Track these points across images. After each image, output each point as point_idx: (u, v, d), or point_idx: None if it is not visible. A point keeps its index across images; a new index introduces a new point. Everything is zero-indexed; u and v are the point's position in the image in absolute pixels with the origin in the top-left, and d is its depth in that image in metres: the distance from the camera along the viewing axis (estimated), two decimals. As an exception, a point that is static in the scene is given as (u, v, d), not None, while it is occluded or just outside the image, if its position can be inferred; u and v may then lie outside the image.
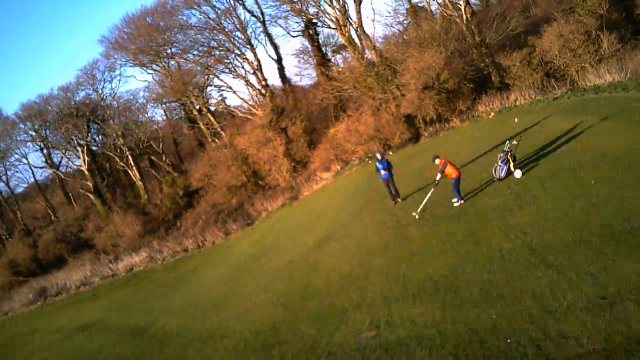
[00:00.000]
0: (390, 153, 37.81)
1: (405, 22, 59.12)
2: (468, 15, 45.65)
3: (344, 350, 12.46)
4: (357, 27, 48.59)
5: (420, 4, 58.97)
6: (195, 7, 50.54)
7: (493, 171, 20.66)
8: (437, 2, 48.95)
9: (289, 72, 61.33)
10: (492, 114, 37.44)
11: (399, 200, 23.44)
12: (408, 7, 60.27)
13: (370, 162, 37.66)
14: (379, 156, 23.69)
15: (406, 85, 39.98)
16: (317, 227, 26.77)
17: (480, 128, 34.34)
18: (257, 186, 46.34)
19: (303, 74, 60.07)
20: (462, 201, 19.66)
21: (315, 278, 18.98)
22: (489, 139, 28.16)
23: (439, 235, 17.54)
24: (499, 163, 20.43)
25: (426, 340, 11.36)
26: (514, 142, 21.18)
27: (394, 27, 57.55)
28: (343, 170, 40.13)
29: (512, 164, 20.22)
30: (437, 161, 20.27)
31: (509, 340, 10.11)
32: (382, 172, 23.26)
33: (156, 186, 58.41)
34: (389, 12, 65.96)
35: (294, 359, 13.19)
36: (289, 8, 52.10)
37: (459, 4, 46.72)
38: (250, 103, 51.64)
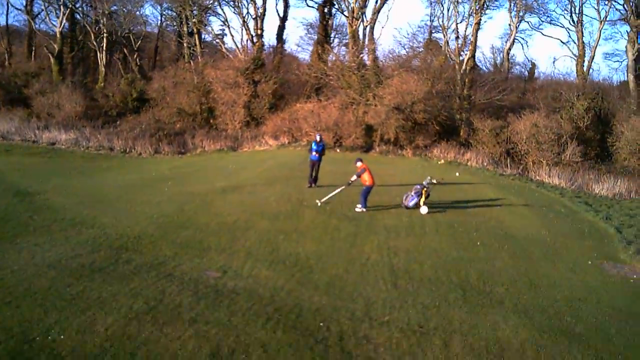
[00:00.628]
0: (338, 150, 38.41)
1: (418, 49, 59.95)
2: (467, 67, 46.69)
3: (180, 280, 12.72)
4: (367, 25, 49.08)
5: (437, 40, 59.98)
6: None
7: (404, 198, 21.39)
8: (447, 42, 49.78)
9: (288, 36, 61.04)
10: (442, 161, 38.39)
11: (314, 185, 23.95)
12: (427, 38, 61.18)
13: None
14: (318, 138, 24.24)
15: (381, 98, 40.58)
16: (231, 177, 27.24)
17: (425, 167, 35.09)
18: (206, 122, 46.38)
19: (303, 48, 60.26)
20: (364, 209, 20.30)
21: (201, 215, 19.26)
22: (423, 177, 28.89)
23: (326, 226, 18.19)
24: (412, 193, 21.17)
25: (255, 297, 11.81)
26: (434, 180, 21.91)
27: (404, 49, 58.22)
28: (289, 145, 40.55)
29: (423, 199, 20.96)
30: (358, 164, 20.95)
31: (321, 323, 10.67)
32: (314, 153, 23.77)
33: (116, 80, 57.49)
34: (408, 34, 66.51)
35: (132, 270, 13.28)
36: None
37: (466, 52, 47.75)
38: (238, 45, 51.44)
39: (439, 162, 38.16)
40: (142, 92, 50.90)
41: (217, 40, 55.36)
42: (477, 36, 47.24)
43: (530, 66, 69.93)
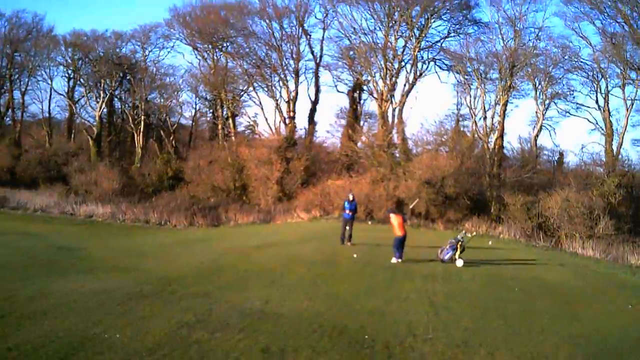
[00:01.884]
0: (370, 223, 38.75)
1: (445, 137, 61.14)
2: (496, 147, 47.52)
3: (226, 305, 13.02)
4: (396, 107, 50.53)
5: (465, 128, 61.22)
6: (266, 19, 52.86)
7: (439, 252, 21.60)
8: (475, 123, 50.83)
9: (319, 119, 62.88)
10: (474, 233, 38.41)
11: (348, 244, 24.26)
12: (454, 126, 62.41)
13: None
14: (350, 197, 24.78)
15: (412, 173, 41.30)
16: (266, 239, 27.75)
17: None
18: (239, 198, 47.31)
19: (333, 134, 62.02)
20: (400, 260, 20.51)
21: (239, 263, 19.79)
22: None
23: (362, 273, 18.43)
24: (447, 247, 21.39)
25: (299, 318, 12.03)
26: (469, 234, 22.10)
27: (432, 136, 59.39)
28: (320, 218, 41.06)
29: (458, 252, 21.13)
30: (392, 215, 21.38)
31: (366, 336, 10.83)
32: (347, 211, 24.24)
33: (152, 160, 59.30)
34: (435, 122, 67.89)
35: (178, 296, 13.66)
36: (346, 64, 54.44)
37: (495, 129, 48.67)
38: (271, 126, 53.13)
39: (471, 235, 38.16)
40: (178, 171, 52.46)
41: (251, 122, 57.23)
42: (504, 116, 48.23)
43: (559, 155, 70.60)
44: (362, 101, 57.37)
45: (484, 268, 21.38)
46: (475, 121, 50.62)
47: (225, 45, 57.44)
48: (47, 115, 68.65)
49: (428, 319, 12.86)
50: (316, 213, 41.98)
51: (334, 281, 16.94)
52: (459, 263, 20.92)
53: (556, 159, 69.78)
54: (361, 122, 57.57)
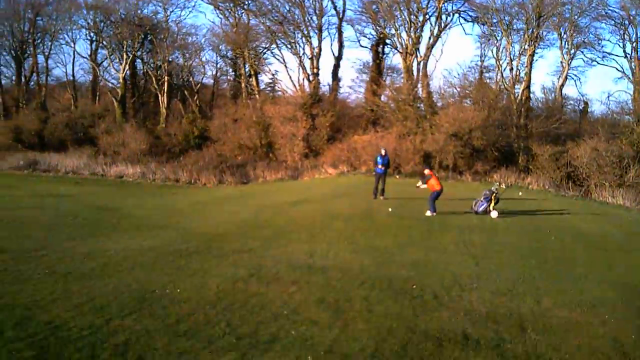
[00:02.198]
0: (397, 177, 38.89)
1: (469, 89, 60.56)
2: (523, 98, 47.08)
3: (274, 258, 13.42)
4: (420, 61, 50.12)
5: (489, 79, 60.50)
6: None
7: (473, 204, 21.79)
8: (502, 74, 50.20)
9: (342, 74, 62.43)
10: (503, 185, 38.44)
11: (381, 197, 24.49)
12: (478, 77, 61.71)
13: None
14: (383, 151, 24.91)
15: (438, 126, 41.21)
16: (300, 195, 28.08)
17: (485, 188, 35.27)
18: (266, 156, 47.61)
19: (355, 90, 61.75)
20: (434, 213, 20.74)
21: (277, 219, 20.16)
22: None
23: (399, 226, 18.67)
24: (481, 199, 21.57)
25: (347, 270, 12.37)
26: (503, 186, 22.22)
27: (456, 89, 58.82)
28: (348, 173, 41.27)
29: (492, 204, 21.31)
30: (426, 171, 21.55)
31: (414, 286, 11.14)
32: (380, 166, 24.43)
33: (177, 120, 59.59)
34: (458, 75, 67.28)
35: (224, 252, 14.05)
36: (369, 18, 53.88)
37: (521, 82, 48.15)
38: (295, 83, 52.98)
39: (499, 186, 38.19)
40: (204, 130, 52.69)
41: (274, 80, 57.12)
42: (531, 67, 47.65)
43: (584, 105, 69.60)
44: (385, 56, 56.87)
45: (518, 218, 21.58)
46: (502, 72, 49.99)
47: (247, 2, 56.99)
48: (72, 78, 69.10)
49: (470, 269, 13.14)
50: (343, 168, 42.18)
51: (373, 234, 17.24)
52: (494, 214, 21.11)
53: (581, 108, 68.99)
54: (385, 77, 57.24)
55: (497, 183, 22.14)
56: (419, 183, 21.56)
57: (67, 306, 8.99)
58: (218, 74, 67.69)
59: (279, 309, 9.34)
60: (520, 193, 32.35)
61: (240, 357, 7.24)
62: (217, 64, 66.13)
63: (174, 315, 8.75)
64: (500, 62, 50.76)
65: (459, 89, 46.91)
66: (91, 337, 7.63)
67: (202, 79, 64.57)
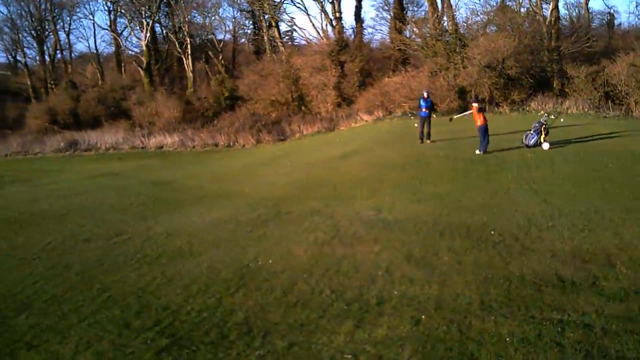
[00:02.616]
0: (434, 116, 38.71)
1: (491, 13, 59.36)
2: (552, 19, 46.05)
3: (344, 217, 13.80)
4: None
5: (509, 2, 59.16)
6: None
7: (524, 138, 21.79)
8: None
9: (365, 15, 61.65)
10: (542, 112, 38.13)
11: (427, 141, 24.58)
12: (500, 1, 60.42)
13: (412, 117, 38.86)
14: (425, 94, 24.89)
15: (470, 59, 40.75)
16: (344, 146, 28.19)
17: (529, 119, 35.03)
18: (299, 109, 47.65)
19: (377, 29, 60.93)
20: (483, 152, 20.84)
21: (331, 175, 20.41)
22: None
23: (455, 170, 18.86)
24: (531, 132, 21.56)
25: (420, 222, 12.68)
26: (552, 116, 22.16)
27: (478, 15, 57.66)
28: (384, 118, 41.20)
29: (543, 136, 21.31)
30: (475, 104, 21.59)
31: (492, 232, 11.42)
32: (424, 110, 24.45)
33: (204, 82, 59.77)
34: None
35: (297, 217, 14.47)
36: None
37: (548, 2, 47.01)
38: (318, 29, 52.50)
39: (539, 114, 37.89)
40: (233, 90, 52.76)
41: (297, 28, 56.64)
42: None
43: (609, 16, 67.80)
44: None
45: (571, 147, 21.57)
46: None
47: None
48: (95, 51, 69.56)
49: (540, 207, 13.35)
50: (379, 114, 42.06)
51: (433, 181, 17.47)
52: (545, 146, 21.12)
53: (606, 20, 67.25)
54: (406, 12, 56.37)
55: (546, 114, 21.95)
56: (466, 113, 21.58)
57: (175, 289, 9.49)
58: (237, 29, 67.42)
59: (372, 270, 9.72)
60: (562, 119, 32.18)
61: (358, 323, 7.64)
62: (235, 18, 65.79)
63: (278, 288, 9.19)
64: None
65: (484, 16, 45.98)
66: (213, 318, 8.11)
67: (225, 36, 64.35)
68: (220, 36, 64.03)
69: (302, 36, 55.98)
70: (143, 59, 61.34)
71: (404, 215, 13.53)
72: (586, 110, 37.75)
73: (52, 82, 65.88)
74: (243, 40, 70.29)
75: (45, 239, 13.91)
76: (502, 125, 30.05)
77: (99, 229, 14.69)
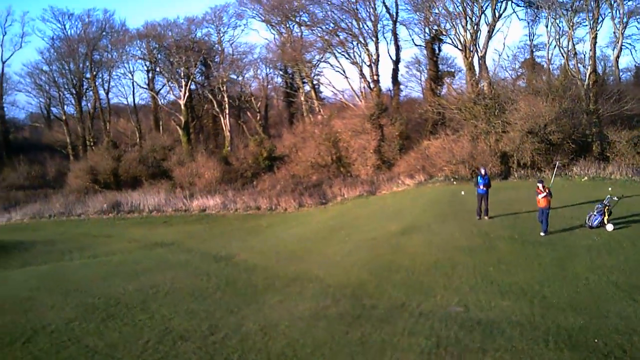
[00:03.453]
0: (463, 193, 38.42)
1: (519, 70, 60.35)
2: (590, 82, 46.60)
3: (435, 315, 13.97)
4: (481, 56, 50.03)
5: (538, 58, 60.13)
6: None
7: (587, 219, 21.94)
8: (567, 61, 49.57)
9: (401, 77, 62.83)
10: (586, 178, 38.25)
11: (486, 218, 24.82)
12: (529, 57, 61.51)
13: (455, 182, 39.25)
14: (482, 171, 25.27)
15: (512, 124, 41.22)
16: (399, 219, 28.41)
17: (572, 187, 35.18)
18: (339, 171, 48.31)
19: (407, 85, 62.08)
20: (545, 234, 21.06)
21: (400, 257, 20.54)
22: (580, 196, 29.07)
23: (526, 254, 19.05)
24: (595, 212, 21.72)
25: (516, 324, 12.84)
26: (615, 198, 22.34)
27: (507, 71, 58.58)
28: (426, 182, 41.55)
29: (606, 217, 21.45)
30: (540, 185, 21.80)
31: (595, 340, 11.56)
32: (481, 187, 24.78)
33: (241, 141, 60.89)
34: (508, 56, 67.12)
35: (385, 312, 14.65)
36: (424, 16, 53.95)
37: (586, 67, 47.65)
38: (357, 92, 53.54)
39: (582, 180, 38.00)
40: (272, 151, 53.70)
41: (337, 91, 57.81)
42: (595, 50, 47.12)
43: (635, 70, 68.39)
44: (439, 52, 57.07)
45: (634, 228, 21.62)
46: (567, 57, 49.41)
47: (300, 16, 57.62)
48: (134, 109, 71.31)
49: (631, 308, 13.44)
50: (420, 177, 42.45)
51: (507, 268, 17.62)
52: (609, 227, 21.24)
53: (634, 74, 67.64)
54: (440, 72, 57.42)
55: (609, 196, 22.12)
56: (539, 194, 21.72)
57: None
58: (271, 87, 68.96)
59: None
60: (610, 188, 32.18)
61: None
62: (272, 79, 67.35)
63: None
64: (564, 49, 50.13)
65: (510, 72, 46.64)
66: None
67: (261, 97, 65.69)
68: (255, 92, 65.46)
69: (339, 98, 56.54)
70: (182, 117, 62.71)
71: (493, 313, 13.72)
72: (630, 175, 37.74)
73: (90, 139, 67.42)
74: (273, 93, 71.75)
75: (139, 335, 14.16)
76: (564, 194, 30.11)
77: (189, 323, 14.94)
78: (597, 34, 47.25)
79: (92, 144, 67.45)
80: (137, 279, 21.07)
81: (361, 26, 53.12)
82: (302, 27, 58.08)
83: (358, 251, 22.67)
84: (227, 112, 61.62)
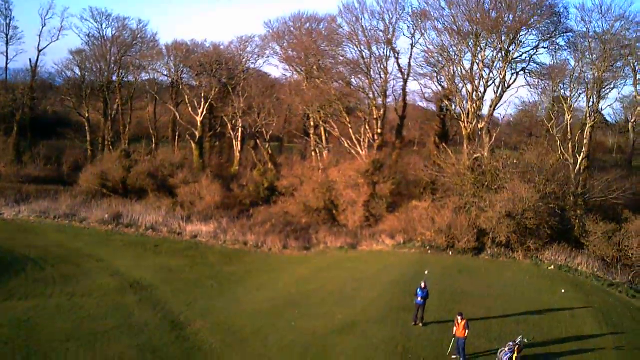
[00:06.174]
0: (427, 272, 39.08)
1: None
2: (582, 167, 48.02)
3: None
4: (483, 127, 51.70)
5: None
6: (355, 45, 54.92)
7: (498, 353, 23.86)
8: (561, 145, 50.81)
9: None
10: (552, 267, 39.78)
11: (420, 324, 26.93)
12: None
13: (429, 252, 41.34)
14: (422, 285, 27.31)
15: (493, 204, 42.92)
16: (352, 304, 30.22)
17: (536, 275, 36.87)
18: (329, 216, 50.56)
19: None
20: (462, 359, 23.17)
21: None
22: (536, 291, 31.52)
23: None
24: (506, 349, 23.56)
25: None
26: (525, 340, 24.17)
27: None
28: (404, 245, 43.59)
29: (515, 355, 23.32)
30: (459, 318, 23.81)
31: None
32: (419, 298, 26.90)
33: (249, 163, 63.65)
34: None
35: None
36: (435, 70, 55.67)
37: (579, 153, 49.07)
38: (361, 143, 55.69)
39: (549, 268, 39.48)
40: (273, 183, 56.19)
41: (341, 139, 59.86)
42: (590, 138, 48.54)
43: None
44: (447, 112, 58.80)
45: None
46: (560, 142, 50.89)
47: (318, 62, 59.98)
48: (154, 117, 74.29)
49: None
50: (400, 239, 44.44)
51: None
52: (515, 367, 23.13)
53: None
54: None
55: (521, 337, 23.94)
56: (454, 329, 23.74)
57: None
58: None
59: None
60: (563, 290, 33.69)
61: None
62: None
63: None
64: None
65: (516, 163, 47.91)
66: None
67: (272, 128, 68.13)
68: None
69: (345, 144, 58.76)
70: (197, 133, 65.49)
71: None
72: (596, 270, 39.04)
73: (110, 140, 70.61)
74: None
75: None
76: (502, 288, 32.03)
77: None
78: (594, 123, 48.70)
79: (110, 144, 70.63)
80: (92, 348, 23.69)
81: (372, 84, 55.25)
82: (318, 75, 60.22)
83: (290, 353, 24.26)
84: (239, 135, 64.21)
